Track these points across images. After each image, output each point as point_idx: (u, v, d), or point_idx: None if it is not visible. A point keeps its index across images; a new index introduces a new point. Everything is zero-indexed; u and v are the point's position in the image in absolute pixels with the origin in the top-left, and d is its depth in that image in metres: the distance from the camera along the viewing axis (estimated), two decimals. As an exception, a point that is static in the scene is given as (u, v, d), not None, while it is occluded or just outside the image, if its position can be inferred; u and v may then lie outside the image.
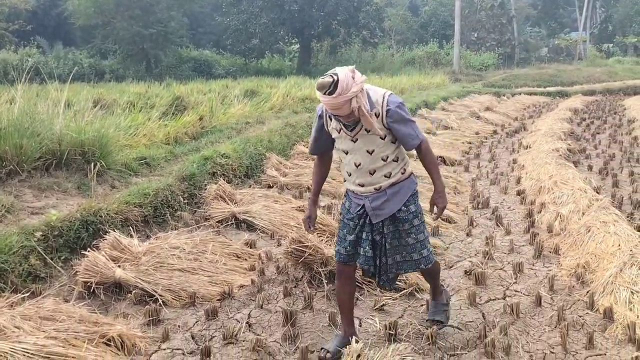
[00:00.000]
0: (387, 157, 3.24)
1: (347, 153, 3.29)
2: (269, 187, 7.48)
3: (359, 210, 3.33)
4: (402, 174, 3.33)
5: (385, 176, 3.26)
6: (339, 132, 3.25)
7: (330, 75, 2.95)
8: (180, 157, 7.60)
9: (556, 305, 3.99)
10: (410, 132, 3.21)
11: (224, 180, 6.74)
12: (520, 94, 21.09)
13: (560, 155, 8.84)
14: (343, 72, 2.96)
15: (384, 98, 3.16)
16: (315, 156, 3.61)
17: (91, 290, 4.13)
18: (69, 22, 32.36)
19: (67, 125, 5.91)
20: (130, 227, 5.12)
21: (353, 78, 2.96)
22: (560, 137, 10.54)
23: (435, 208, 3.40)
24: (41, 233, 4.43)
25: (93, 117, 6.49)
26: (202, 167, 6.88)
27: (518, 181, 7.81)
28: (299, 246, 4.42)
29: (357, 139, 3.21)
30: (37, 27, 35.61)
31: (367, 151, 3.22)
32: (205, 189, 6.42)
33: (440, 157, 9.19)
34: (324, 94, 2.94)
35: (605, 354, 3.36)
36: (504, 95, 20.12)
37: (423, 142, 3.27)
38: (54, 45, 32.68)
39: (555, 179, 6.99)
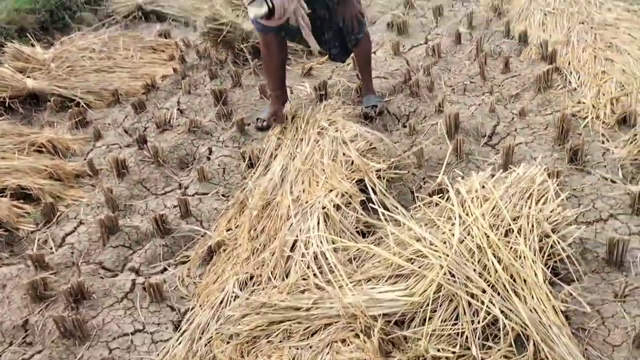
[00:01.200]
0: None
1: None
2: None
3: None
4: None
5: None
6: None
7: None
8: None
9: (475, 39, 4.09)
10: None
11: (120, -29, 6.06)
12: None
13: None
14: None
15: None
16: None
17: (7, 106, 3.91)
18: None
19: None
20: (29, 36, 4.68)
21: None
22: None
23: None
24: None
25: None
26: (91, -41, 6.11)
27: None
28: (215, 24, 4.19)
29: None
30: None
31: None
32: (103, -17, 5.80)
33: None
34: (261, 19, 2.65)
35: (520, 74, 3.57)
36: None
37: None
38: None
39: None
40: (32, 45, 4.44)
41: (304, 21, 2.85)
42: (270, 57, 3.30)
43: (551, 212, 2.06)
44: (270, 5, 2.61)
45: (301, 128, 3.13)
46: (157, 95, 4.03)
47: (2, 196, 2.89)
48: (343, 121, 3.03)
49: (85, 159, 3.35)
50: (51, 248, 2.67)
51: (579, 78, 3.39)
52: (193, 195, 2.98)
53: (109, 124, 3.73)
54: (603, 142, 2.83)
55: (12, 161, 3.09)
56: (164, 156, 3.25)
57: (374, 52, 4.23)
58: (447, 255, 1.86)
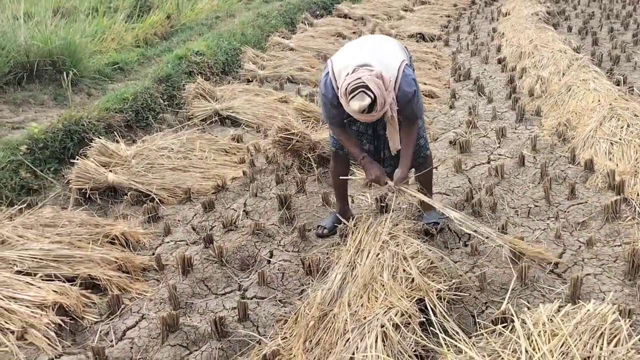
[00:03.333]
0: None
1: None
2: (248, 81, 7.35)
3: None
4: None
5: None
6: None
7: (364, 93, 2.70)
8: (152, 59, 7.39)
9: (539, 163, 4.13)
10: (415, 111, 3.11)
11: (201, 78, 6.61)
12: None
13: (540, 19, 8.69)
14: (375, 84, 2.71)
15: (397, 75, 2.95)
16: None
17: (87, 197, 4.19)
18: None
19: (32, 36, 5.65)
20: (115, 133, 5.09)
21: (384, 84, 2.76)
22: (539, 0, 10.29)
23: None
24: (26, 146, 4.41)
25: (56, 26, 6.18)
26: (177, 66, 6.70)
27: (498, 49, 7.74)
28: (286, 134, 4.45)
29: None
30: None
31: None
32: (184, 89, 6.30)
33: (419, 33, 9.00)
34: (362, 112, 2.76)
35: (586, 202, 3.54)
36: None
37: (419, 120, 3.20)
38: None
39: (535, 43, 6.94)
40: (117, 142, 4.81)
41: (395, 115, 2.95)
42: (336, 167, 3.48)
43: (624, 355, 1.96)
44: (372, 96, 2.70)
45: (362, 239, 3.18)
46: (225, 196, 4.22)
47: (72, 284, 3.03)
48: (404, 236, 3.06)
49: (153, 254, 3.49)
50: (112, 341, 2.73)
51: (649, 211, 3.32)
52: (252, 298, 3.02)
53: (178, 221, 3.91)
54: (678, 280, 2.71)
55: (85, 250, 3.26)
56: (227, 256, 3.35)
57: (436, 168, 4.33)
58: (513, 393, 1.78)
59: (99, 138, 4.67)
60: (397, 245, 2.96)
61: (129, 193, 4.16)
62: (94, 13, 9.63)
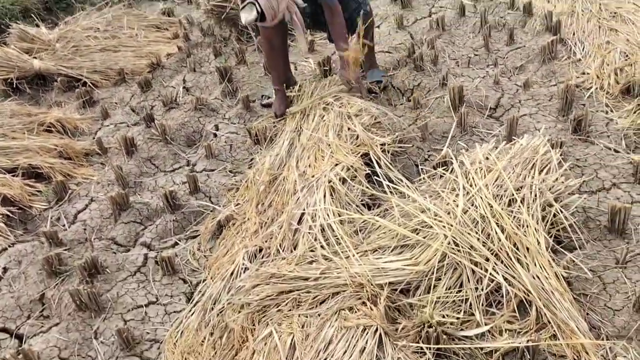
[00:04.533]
0: None
1: None
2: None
3: None
4: None
5: None
6: None
7: (252, 4, 2.58)
8: None
9: (479, 11, 4.07)
10: None
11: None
12: None
13: None
14: None
15: None
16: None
17: (14, 87, 3.96)
18: None
19: None
20: (33, 17, 4.69)
21: None
22: None
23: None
24: None
25: None
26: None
27: None
28: (219, 2, 4.20)
29: None
30: None
31: None
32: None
33: None
34: (254, 21, 2.65)
35: (524, 46, 3.56)
36: None
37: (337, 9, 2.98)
38: None
39: None
40: (37, 26, 4.46)
41: (297, 17, 2.81)
42: (272, 52, 3.21)
43: (554, 181, 2.09)
44: (259, 9, 2.61)
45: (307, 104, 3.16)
46: (162, 74, 4.05)
47: (14, 175, 2.95)
48: (347, 96, 3.05)
49: (94, 138, 3.39)
50: (64, 225, 2.73)
51: (583, 49, 3.38)
52: (201, 171, 3.03)
53: (116, 103, 3.77)
54: (607, 113, 2.84)
55: (22, 141, 3.14)
56: (171, 134, 3.29)
57: (378, 26, 4.23)
58: (451, 225, 1.91)
59: (17, 23, 4.31)
60: (341, 106, 2.96)
61: (59, 79, 3.94)
62: None
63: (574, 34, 3.53)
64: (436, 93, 3.29)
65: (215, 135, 3.30)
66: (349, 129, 2.79)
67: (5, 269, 2.49)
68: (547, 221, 2.03)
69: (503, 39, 3.70)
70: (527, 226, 1.91)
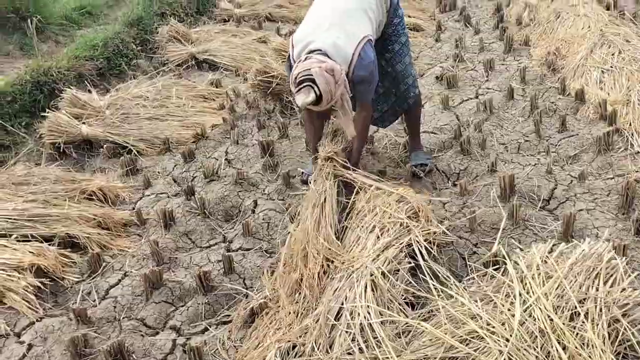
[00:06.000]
0: None
1: None
2: (225, 21, 7.01)
3: None
4: None
5: None
6: None
7: (310, 87, 2.59)
8: (122, 0, 6.99)
9: (528, 95, 3.99)
10: (366, 89, 2.92)
11: (175, 20, 6.29)
12: None
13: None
14: (323, 79, 2.58)
15: (352, 59, 2.78)
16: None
17: (61, 151, 4.03)
18: None
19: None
20: (87, 83, 4.85)
21: (333, 77, 2.61)
22: None
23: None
24: (-8, 101, 4.19)
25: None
26: (148, 8, 6.35)
27: (484, -23, 7.40)
28: (266, 77, 4.25)
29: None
30: None
31: None
32: (157, 33, 6.00)
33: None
34: (308, 105, 2.65)
35: (578, 134, 3.44)
36: None
37: (368, 108, 3.01)
38: None
39: (522, -31, 6.62)
40: (89, 92, 4.59)
41: (348, 105, 2.79)
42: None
43: (621, 293, 1.90)
44: (318, 92, 2.60)
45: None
46: (206, 145, 4.07)
47: (50, 244, 2.92)
48: (389, 183, 2.95)
49: (133, 208, 3.37)
50: (94, 300, 2.66)
51: (641, 141, 3.23)
52: (237, 250, 2.94)
53: (158, 172, 3.77)
54: (672, 212, 2.65)
55: (62, 209, 3.13)
56: (210, 208, 3.24)
57: (422, 105, 4.18)
58: (507, 340, 1.73)
59: (70, 88, 4.45)
60: (384, 193, 2.85)
61: (105, 145, 4.00)
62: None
63: (630, 124, 3.38)
64: (484, 179, 3.17)
65: (253, 211, 3.24)
66: (391, 215, 2.67)
67: (30, 346, 2.41)
68: (614, 339, 1.83)
69: (555, 125, 3.58)
70: (593, 346, 1.72)
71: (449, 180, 3.28)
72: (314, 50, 2.73)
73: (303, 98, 2.61)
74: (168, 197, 3.48)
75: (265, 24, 6.67)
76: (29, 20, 5.31)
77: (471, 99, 4.19)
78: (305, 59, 2.69)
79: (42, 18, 5.41)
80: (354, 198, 2.85)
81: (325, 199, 2.81)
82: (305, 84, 2.60)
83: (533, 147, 3.43)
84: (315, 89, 2.59)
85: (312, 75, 2.58)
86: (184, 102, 4.54)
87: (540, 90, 4.07)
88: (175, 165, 3.83)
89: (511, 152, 3.43)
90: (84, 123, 4.10)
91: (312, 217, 2.73)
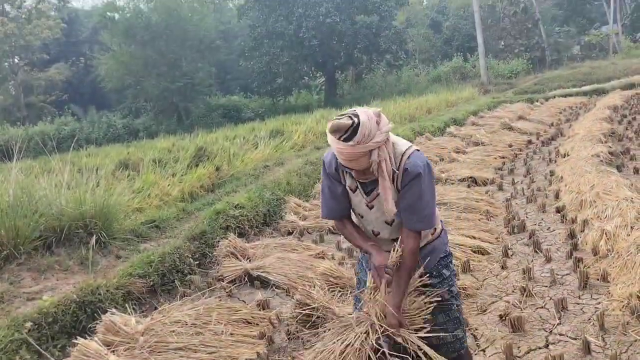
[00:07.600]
0: None
1: (362, 217, 2.69)
2: (289, 233, 7.08)
3: None
4: (432, 234, 2.72)
5: None
6: (353, 192, 2.62)
7: (349, 116, 2.33)
8: (193, 213, 7.29)
9: (609, 349, 3.37)
10: (420, 208, 2.50)
11: (238, 232, 6.40)
12: (554, 97, 20.11)
13: (602, 160, 8.10)
14: (365, 115, 2.33)
15: (404, 154, 2.49)
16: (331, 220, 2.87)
17: (83, 383, 3.78)
18: (101, 87, 33.22)
19: (66, 199, 5.69)
20: (133, 301, 4.78)
21: (377, 124, 2.35)
22: (600, 139, 9.76)
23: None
24: (32, 323, 4.14)
25: (95, 188, 6.25)
26: (214, 222, 6.54)
27: (557, 196, 7.13)
28: (306, 309, 3.97)
29: (372, 206, 2.58)
30: (73, 95, 37.08)
31: (385, 222, 2.62)
32: (218, 246, 6.06)
33: (470, 177, 8.59)
34: (339, 138, 2.32)
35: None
36: (537, 101, 19.10)
37: (420, 234, 2.58)
38: (87, 111, 33.66)
39: (597, 190, 6.31)
40: (134, 310, 4.48)
41: (388, 172, 2.43)
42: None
43: None
44: (356, 121, 2.31)
45: None
46: (233, 384, 3.68)
47: None
48: None
49: None
50: None
51: None
52: None
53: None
54: None
55: None
56: None
57: (483, 350, 3.65)
58: None
59: (115, 309, 4.36)
60: None
61: (128, 380, 3.72)
62: (157, 164, 9.98)
63: None
64: None
65: None
66: None
67: None
68: None
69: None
70: None
71: None
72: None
73: (337, 121, 2.32)
74: None
75: (327, 237, 6.64)
76: (94, 236, 5.57)
77: (540, 348, 3.60)
78: None
79: (106, 234, 5.64)
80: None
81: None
82: (344, 114, 2.36)
83: None
84: (354, 118, 2.31)
85: (355, 110, 2.37)
86: (223, 330, 4.28)
87: (623, 343, 3.44)
88: (194, 411, 3.43)
89: None
90: (113, 352, 3.89)
91: None
